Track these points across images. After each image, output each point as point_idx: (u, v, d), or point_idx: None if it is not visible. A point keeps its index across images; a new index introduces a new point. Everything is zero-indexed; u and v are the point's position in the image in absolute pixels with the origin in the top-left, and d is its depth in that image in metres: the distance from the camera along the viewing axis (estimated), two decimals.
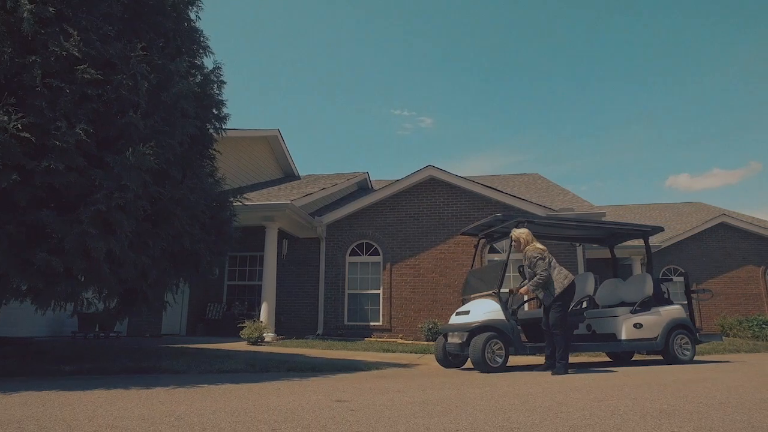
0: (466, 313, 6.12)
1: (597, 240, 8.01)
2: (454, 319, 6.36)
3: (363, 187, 17.33)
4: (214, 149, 7.23)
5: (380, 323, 12.08)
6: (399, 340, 11.19)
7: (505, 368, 5.68)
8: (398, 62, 60.15)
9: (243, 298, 13.05)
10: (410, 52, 59.12)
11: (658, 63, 57.53)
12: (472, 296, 6.64)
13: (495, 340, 5.65)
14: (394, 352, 9.04)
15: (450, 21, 53.44)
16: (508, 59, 59.97)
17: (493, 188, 12.26)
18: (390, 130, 63.07)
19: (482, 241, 7.48)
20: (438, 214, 12.50)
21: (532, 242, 5.60)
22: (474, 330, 5.75)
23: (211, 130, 7.24)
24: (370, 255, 12.64)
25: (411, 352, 8.98)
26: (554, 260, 5.52)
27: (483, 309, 5.94)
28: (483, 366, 5.52)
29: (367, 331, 11.97)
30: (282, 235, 12.24)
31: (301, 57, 61.78)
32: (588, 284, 6.53)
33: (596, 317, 6.77)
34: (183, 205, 5.45)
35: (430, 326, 11.01)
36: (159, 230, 5.15)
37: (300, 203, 11.72)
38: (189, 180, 5.59)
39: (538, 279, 5.33)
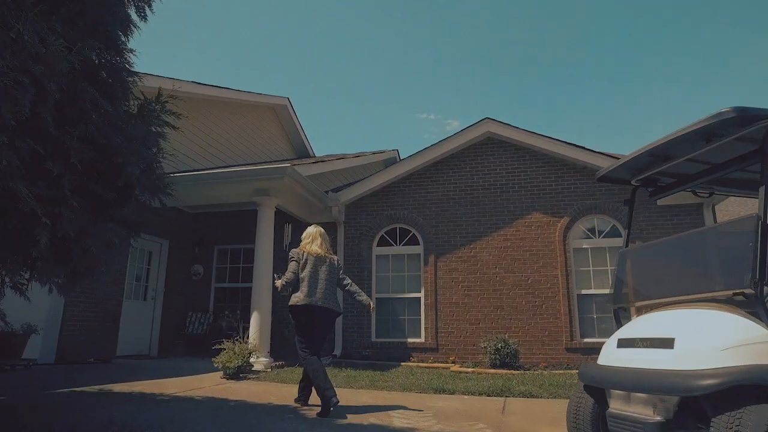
0: (664, 344, 2.55)
1: None
2: (624, 356, 2.78)
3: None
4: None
5: (422, 340, 8.56)
6: (452, 366, 7.67)
7: None
8: (423, 65, 56.69)
9: (235, 306, 9.74)
10: (435, 53, 55.52)
11: (693, 58, 52.55)
12: (653, 304, 3.08)
13: None
14: (453, 393, 5.54)
15: (475, 21, 49.65)
16: (535, 60, 55.74)
17: (580, 147, 8.61)
18: (416, 134, 59.54)
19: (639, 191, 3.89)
20: (500, 185, 8.94)
21: (302, 242, 4.75)
22: (708, 391, 2.21)
23: None
24: (405, 244, 9.16)
25: (483, 394, 5.46)
26: (310, 271, 4.44)
27: (722, 339, 2.36)
28: None
29: (404, 352, 8.48)
30: (285, 217, 8.91)
31: (325, 60, 58.87)
32: None
33: None
34: None
35: (499, 345, 7.44)
36: None
37: (307, 172, 8.38)
38: None
39: (284, 279, 4.47)
